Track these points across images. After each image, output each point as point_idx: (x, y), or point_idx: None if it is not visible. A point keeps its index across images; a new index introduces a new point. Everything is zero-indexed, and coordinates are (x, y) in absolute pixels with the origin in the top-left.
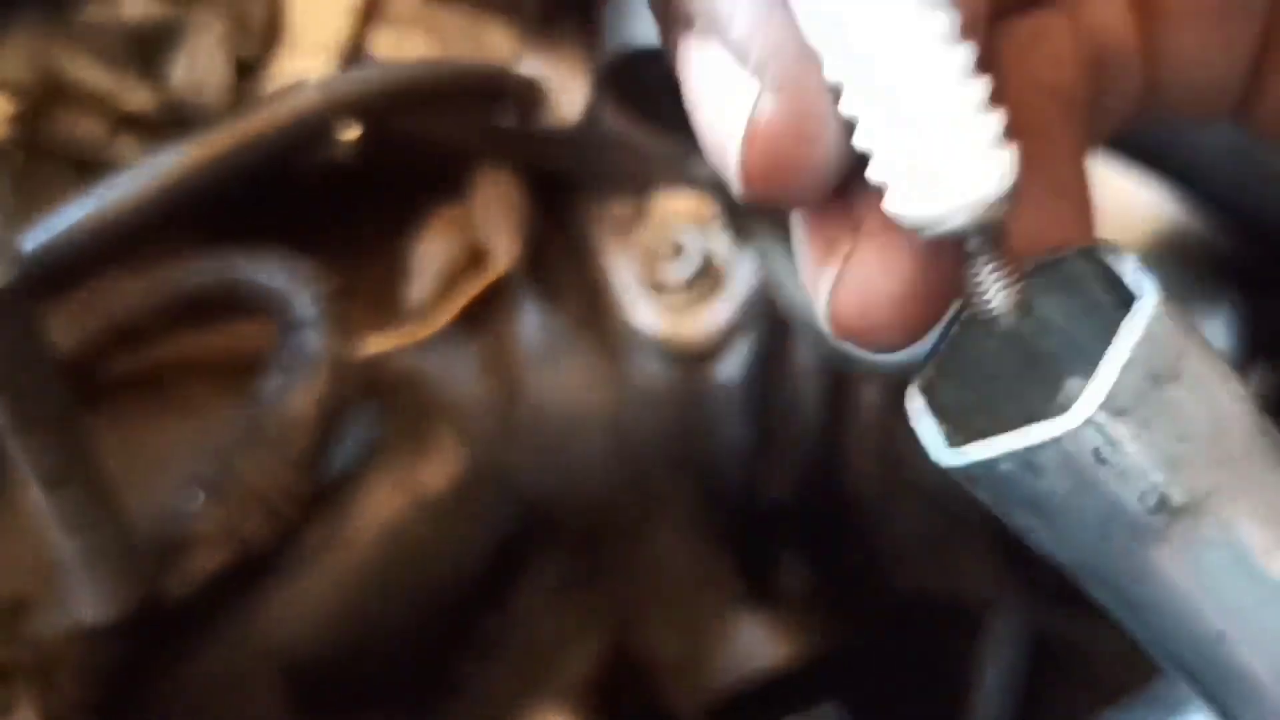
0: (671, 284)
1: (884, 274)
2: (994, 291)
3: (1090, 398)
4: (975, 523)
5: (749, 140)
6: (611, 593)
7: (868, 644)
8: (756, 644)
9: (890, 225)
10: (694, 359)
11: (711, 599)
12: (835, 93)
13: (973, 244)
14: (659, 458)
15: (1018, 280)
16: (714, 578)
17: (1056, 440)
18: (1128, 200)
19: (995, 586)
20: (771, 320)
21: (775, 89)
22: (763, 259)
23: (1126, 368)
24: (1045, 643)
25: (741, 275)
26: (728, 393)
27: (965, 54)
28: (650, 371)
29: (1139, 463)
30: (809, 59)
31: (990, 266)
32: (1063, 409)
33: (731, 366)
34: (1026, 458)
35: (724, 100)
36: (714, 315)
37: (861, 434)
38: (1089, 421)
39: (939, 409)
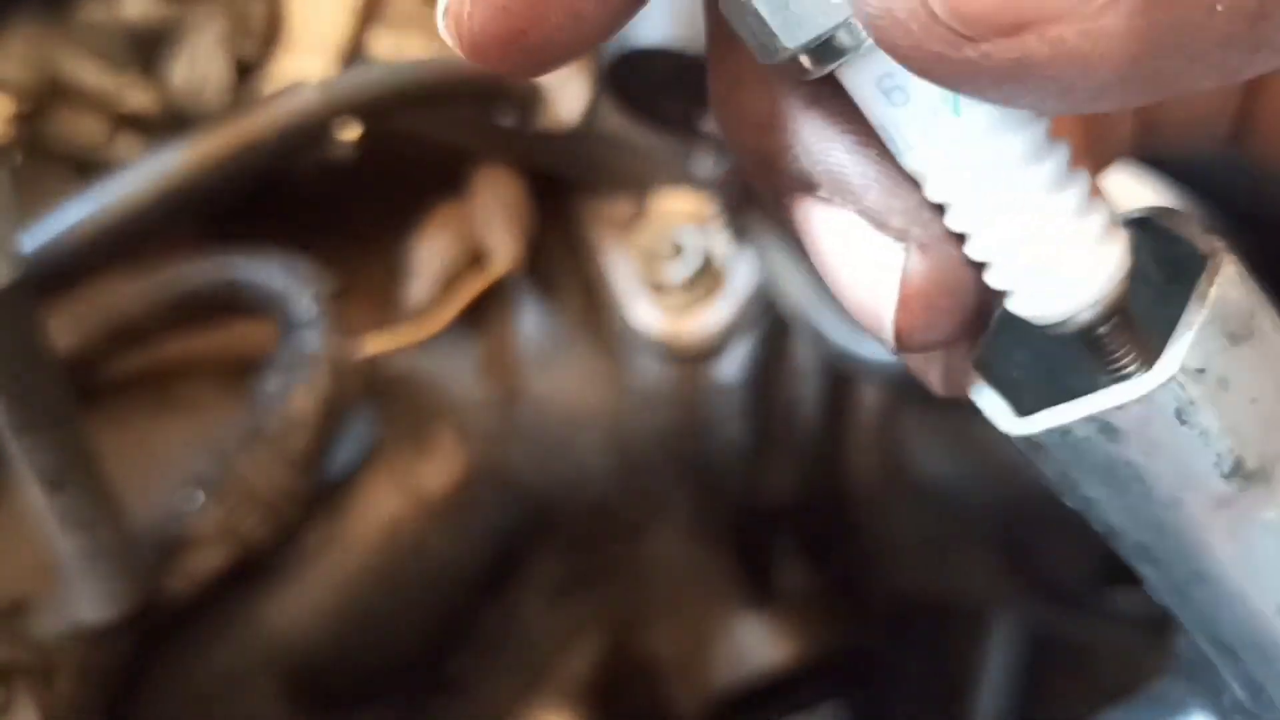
0: (671, 284)
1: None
2: (1129, 360)
3: (1172, 356)
4: (975, 523)
5: (904, 304)
6: (611, 593)
7: (868, 644)
8: (756, 644)
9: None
10: (694, 359)
11: (711, 599)
12: (944, 211)
13: (1102, 329)
14: (659, 458)
15: (1146, 344)
16: (714, 578)
17: (1140, 400)
18: (1123, 197)
19: (995, 586)
20: (771, 320)
21: (922, 251)
22: (763, 259)
23: (1205, 326)
24: (1045, 643)
25: (741, 275)
26: (728, 393)
27: (1062, 155)
28: (650, 371)
29: (1217, 424)
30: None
31: (1121, 341)
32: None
33: (731, 366)
34: (1106, 420)
35: (865, 264)
36: (714, 315)
37: (861, 434)
38: (1172, 379)
39: (998, 382)
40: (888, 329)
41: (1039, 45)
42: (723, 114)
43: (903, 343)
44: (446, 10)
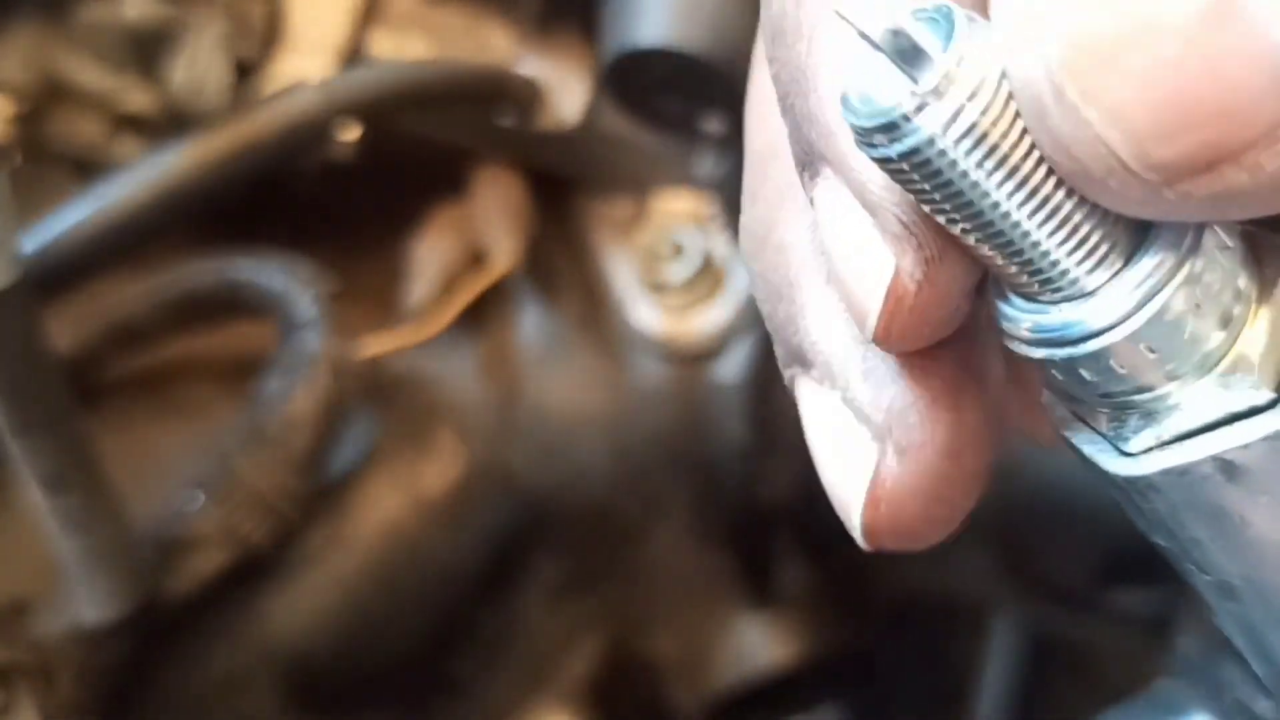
0: (671, 284)
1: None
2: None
3: None
4: (975, 523)
5: (872, 504)
6: (611, 593)
7: (868, 644)
8: (756, 644)
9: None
10: (694, 359)
11: (711, 599)
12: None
13: None
14: (659, 458)
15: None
16: (714, 578)
17: (1268, 438)
18: None
19: (995, 587)
20: None
21: (899, 454)
22: None
23: None
24: (1045, 643)
25: (741, 275)
26: (727, 393)
27: None
28: (650, 372)
29: None
30: (931, 423)
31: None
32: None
33: (731, 366)
34: (1229, 458)
35: (843, 451)
36: (713, 315)
37: None
38: None
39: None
40: (855, 524)
41: (1237, 175)
42: (750, 271)
43: (868, 540)
44: (883, 311)
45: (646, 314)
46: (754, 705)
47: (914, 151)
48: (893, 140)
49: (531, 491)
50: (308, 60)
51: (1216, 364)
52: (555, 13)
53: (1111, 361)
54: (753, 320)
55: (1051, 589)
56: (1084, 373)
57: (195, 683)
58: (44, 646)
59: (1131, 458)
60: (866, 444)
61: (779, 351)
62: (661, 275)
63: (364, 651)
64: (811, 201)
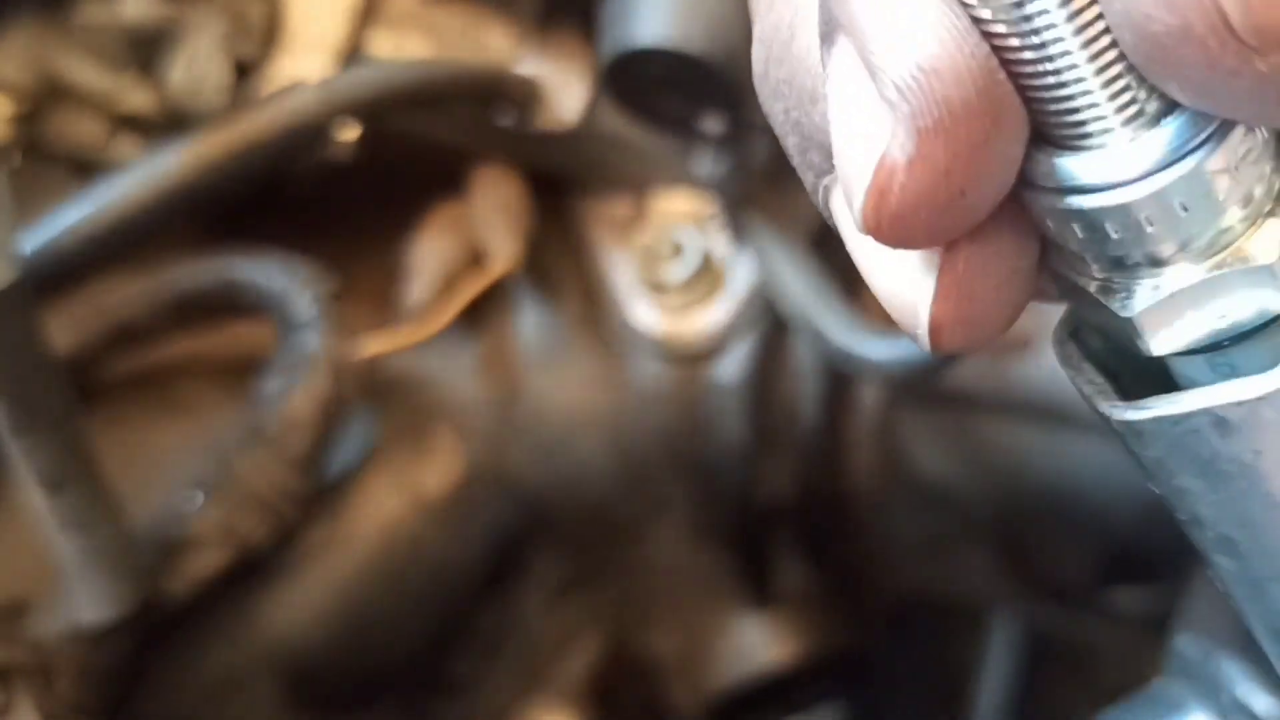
0: (670, 284)
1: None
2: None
3: None
4: (975, 523)
5: (942, 295)
6: (611, 592)
7: (867, 644)
8: (756, 644)
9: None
10: (693, 359)
11: (711, 599)
12: None
13: None
14: (658, 458)
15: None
16: (713, 578)
17: (1261, 398)
18: None
19: (995, 586)
20: (771, 320)
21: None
22: (762, 258)
23: None
24: (1044, 642)
25: (741, 275)
26: (727, 393)
27: None
28: (649, 371)
29: None
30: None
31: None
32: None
33: (731, 366)
34: (1220, 414)
35: (889, 265)
36: (713, 315)
37: (861, 434)
38: None
39: (1091, 356)
40: (922, 324)
41: None
42: (765, 86)
43: (937, 340)
44: (869, 189)
45: (646, 314)
46: (753, 705)
47: None
48: None
49: (530, 491)
50: (306, 60)
51: (1226, 247)
52: (554, 12)
53: (1139, 214)
54: (752, 320)
55: (1050, 588)
56: (1107, 226)
57: (194, 683)
58: (43, 646)
59: (1126, 403)
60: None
61: (811, 162)
62: (661, 275)
63: (363, 651)
64: (825, 70)
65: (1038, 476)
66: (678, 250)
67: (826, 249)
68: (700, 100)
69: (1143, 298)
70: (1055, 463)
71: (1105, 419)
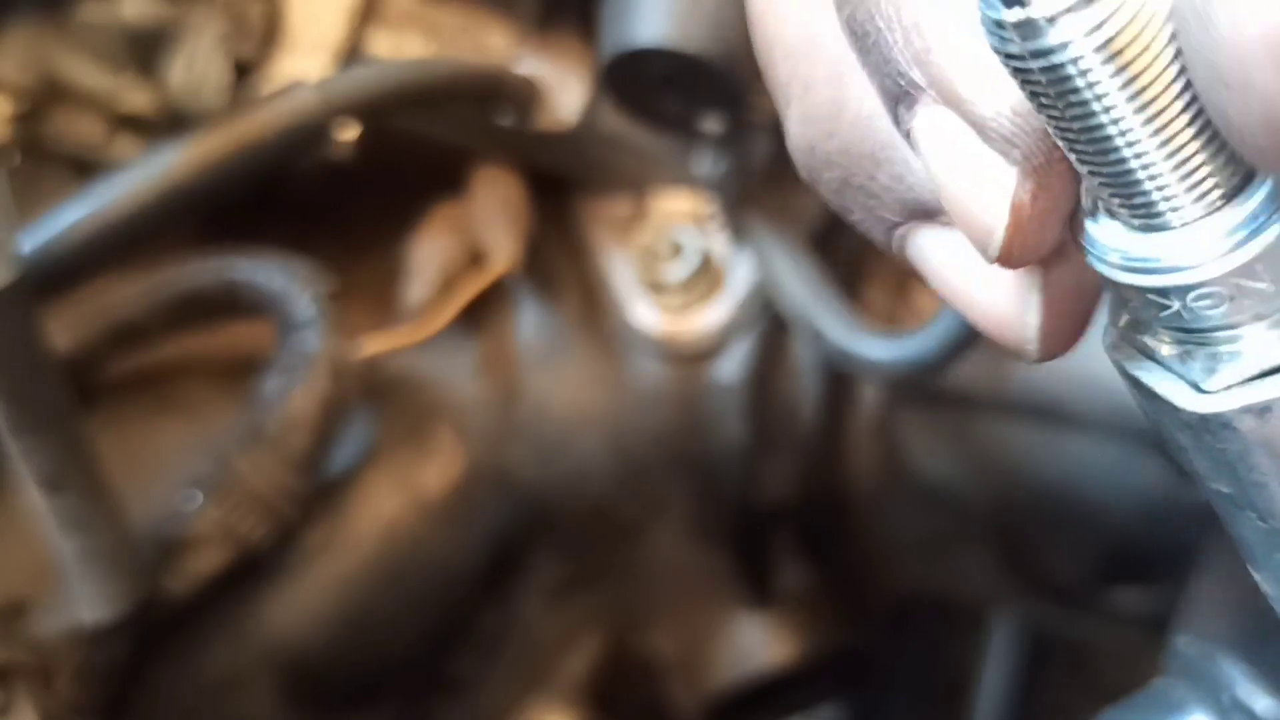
0: (670, 283)
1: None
2: None
3: None
4: (974, 522)
5: (1050, 307)
6: (610, 592)
7: (867, 644)
8: (756, 644)
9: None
10: (692, 358)
11: (711, 599)
12: None
13: None
14: (658, 458)
15: None
16: (713, 578)
17: None
18: None
19: (994, 586)
20: (770, 320)
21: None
22: (761, 258)
23: None
24: (1044, 642)
25: (740, 274)
26: (726, 392)
27: None
28: (649, 371)
29: None
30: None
31: None
32: None
33: (730, 366)
34: None
35: (987, 284)
36: (712, 315)
37: (861, 434)
38: None
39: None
40: (1032, 339)
41: None
42: (814, 159)
43: (1046, 351)
44: (1008, 229)
45: (645, 313)
46: (753, 704)
47: (1048, 52)
48: (1026, 38)
49: (530, 491)
50: (306, 60)
51: None
52: (554, 12)
53: (1202, 295)
54: (752, 320)
55: (1050, 588)
56: (1170, 303)
57: (194, 682)
58: (43, 646)
59: (1209, 395)
60: (1009, 274)
61: (882, 218)
62: (660, 275)
63: (363, 651)
64: (908, 135)
65: (1037, 476)
66: (677, 250)
67: (826, 249)
68: (700, 100)
69: (1223, 376)
70: (1055, 463)
71: (1179, 416)
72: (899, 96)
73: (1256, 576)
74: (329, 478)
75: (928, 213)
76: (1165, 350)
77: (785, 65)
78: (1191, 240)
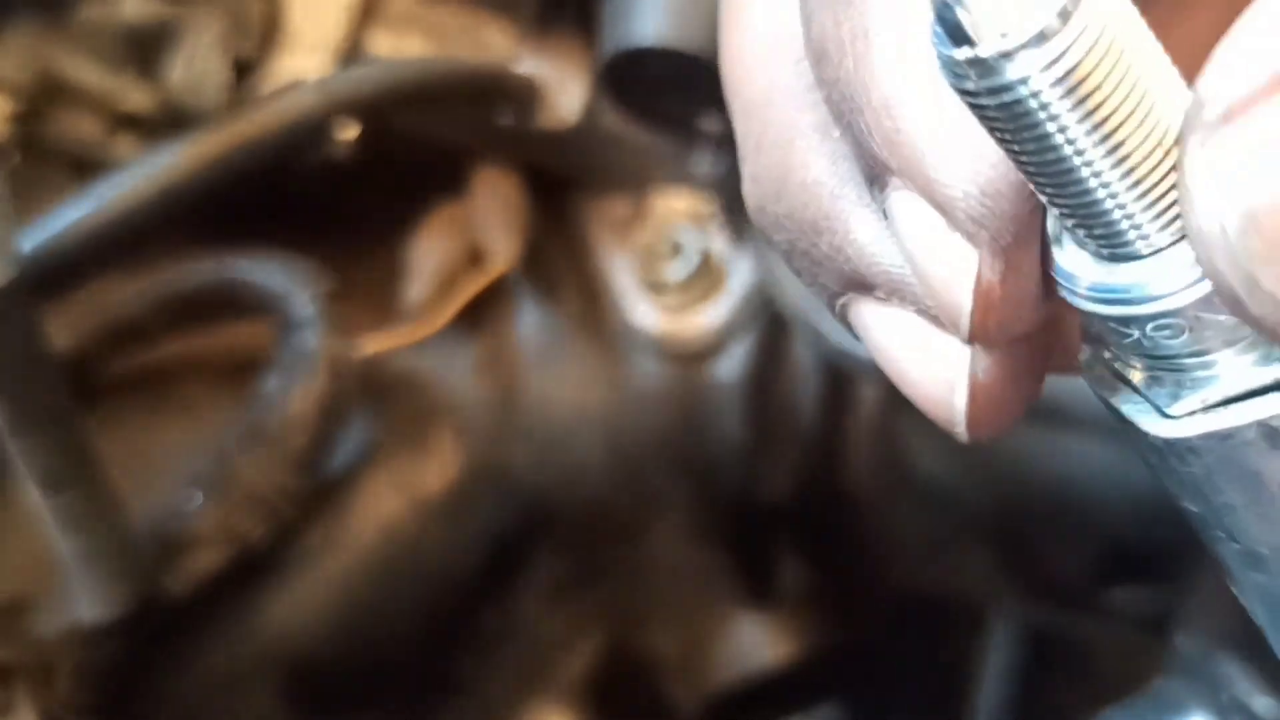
0: (670, 283)
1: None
2: None
3: None
4: (974, 522)
5: (971, 399)
6: (611, 593)
7: (868, 644)
8: (756, 644)
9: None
10: (692, 358)
11: (711, 599)
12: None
13: None
14: (657, 457)
15: None
16: (713, 577)
17: None
18: None
19: (994, 586)
20: (770, 319)
21: (985, 354)
22: (761, 257)
23: None
24: (1044, 642)
25: (740, 274)
26: (726, 392)
27: None
28: (649, 371)
29: None
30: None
31: None
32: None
33: (730, 365)
34: (1275, 425)
35: (925, 358)
36: (712, 314)
37: (861, 433)
38: None
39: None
40: (957, 421)
41: None
42: (764, 219)
43: (972, 432)
44: (974, 311)
45: (645, 313)
46: (753, 704)
47: (1003, 89)
48: (981, 76)
49: (530, 490)
50: (306, 59)
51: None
52: (553, 12)
53: (1171, 324)
54: (752, 319)
55: (1050, 588)
56: (1136, 332)
57: (194, 682)
58: (43, 646)
59: (1174, 420)
60: (952, 348)
61: (824, 285)
62: (660, 274)
63: (363, 650)
64: (885, 214)
65: (1038, 476)
66: (677, 249)
67: None
68: (699, 99)
69: (1188, 402)
70: (1055, 463)
71: (1146, 440)
72: (872, 176)
73: (1234, 592)
74: (328, 477)
75: (864, 286)
76: (1134, 375)
77: (742, 121)
78: (1148, 272)
